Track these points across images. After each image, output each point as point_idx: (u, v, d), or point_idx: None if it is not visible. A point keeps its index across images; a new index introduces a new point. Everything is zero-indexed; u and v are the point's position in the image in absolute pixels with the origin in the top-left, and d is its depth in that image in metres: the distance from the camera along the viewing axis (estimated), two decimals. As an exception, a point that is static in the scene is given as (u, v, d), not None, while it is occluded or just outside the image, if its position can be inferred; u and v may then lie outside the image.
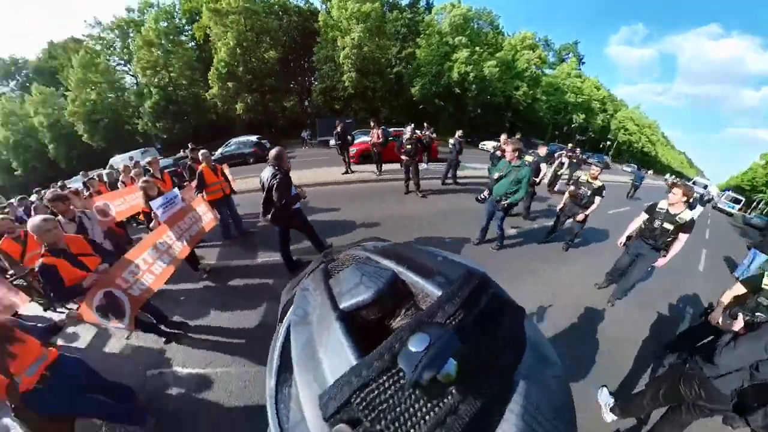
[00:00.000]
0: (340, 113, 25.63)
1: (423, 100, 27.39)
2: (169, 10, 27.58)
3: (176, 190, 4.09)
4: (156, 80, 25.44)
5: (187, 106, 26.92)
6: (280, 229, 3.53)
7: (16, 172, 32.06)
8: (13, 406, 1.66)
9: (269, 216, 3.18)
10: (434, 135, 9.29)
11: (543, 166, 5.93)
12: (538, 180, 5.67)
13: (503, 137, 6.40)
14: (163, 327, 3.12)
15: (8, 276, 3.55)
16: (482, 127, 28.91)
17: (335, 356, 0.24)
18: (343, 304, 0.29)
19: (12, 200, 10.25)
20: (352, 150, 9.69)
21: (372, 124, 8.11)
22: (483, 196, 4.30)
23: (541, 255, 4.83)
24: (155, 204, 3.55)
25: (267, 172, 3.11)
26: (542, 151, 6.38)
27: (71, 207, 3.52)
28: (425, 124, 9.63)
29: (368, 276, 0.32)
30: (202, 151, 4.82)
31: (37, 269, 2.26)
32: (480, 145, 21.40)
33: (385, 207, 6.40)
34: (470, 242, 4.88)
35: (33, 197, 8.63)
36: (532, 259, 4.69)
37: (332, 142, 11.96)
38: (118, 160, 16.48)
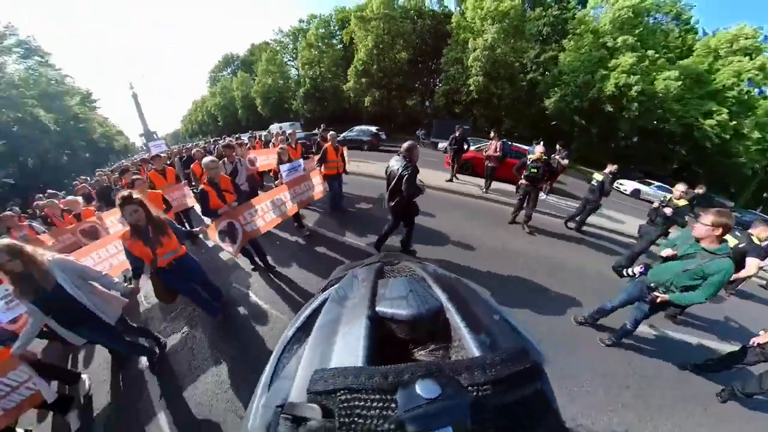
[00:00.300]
0: (459, 117, 24.37)
1: (558, 115, 21.70)
2: (327, 20, 32.84)
3: (301, 160, 4.83)
4: (310, 73, 31.18)
5: (329, 94, 31.70)
6: (393, 218, 3.59)
7: (219, 124, 50.77)
8: (151, 272, 2.54)
9: (392, 203, 3.26)
10: (567, 161, 7.27)
11: (752, 260, 3.29)
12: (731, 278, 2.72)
13: (680, 187, 4.08)
14: (257, 260, 3.90)
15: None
16: (634, 161, 21.11)
17: (348, 348, 0.24)
18: (379, 308, 0.29)
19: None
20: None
21: (492, 134, 7.08)
22: (632, 272, 2.79)
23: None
24: (283, 167, 4.41)
25: (396, 163, 3.15)
26: (761, 231, 3.47)
27: (234, 154, 4.56)
28: (558, 146, 7.69)
29: (415, 295, 0.30)
30: (330, 132, 5.37)
31: (198, 191, 3.27)
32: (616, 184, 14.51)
33: (482, 230, 5.34)
34: (568, 316, 3.30)
35: (221, 142, 11.64)
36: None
37: (443, 145, 11.49)
38: (275, 127, 21.77)
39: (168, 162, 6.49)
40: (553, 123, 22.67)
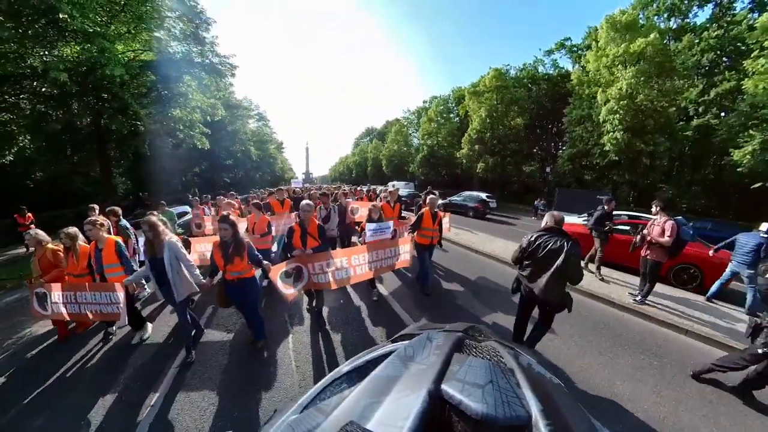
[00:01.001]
0: (589, 185, 19.93)
1: (763, 170, 11.82)
2: (445, 99, 36.97)
3: (391, 222, 4.46)
4: (429, 142, 34.69)
5: (443, 160, 33.94)
6: (527, 306, 2.89)
7: (352, 175, 65.88)
8: (220, 278, 2.95)
9: (550, 292, 2.52)
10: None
11: None
12: None
13: None
14: (314, 304, 3.71)
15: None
16: None
17: (393, 416, 0.21)
18: (446, 387, 0.24)
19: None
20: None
21: (655, 208, 4.40)
22: None
23: None
24: (369, 226, 4.15)
25: (552, 238, 2.54)
26: None
27: (329, 202, 5.09)
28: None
29: (496, 389, 0.24)
30: (431, 195, 4.58)
31: (287, 228, 3.67)
32: None
33: (635, 386, 2.74)
34: None
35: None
36: None
37: (578, 219, 9.04)
38: (391, 184, 25.13)
39: (287, 196, 7.11)
40: (756, 185, 12.04)
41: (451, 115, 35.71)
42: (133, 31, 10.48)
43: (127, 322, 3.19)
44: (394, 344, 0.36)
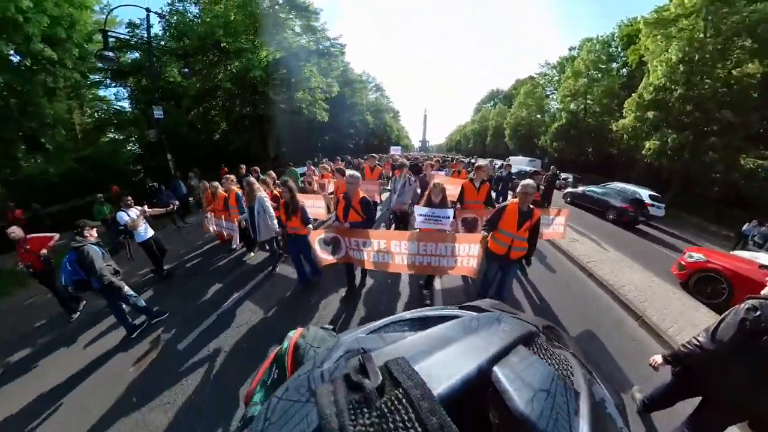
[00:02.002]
0: None
1: None
2: (606, 40, 24.55)
3: (450, 211, 3.37)
4: (571, 106, 25.75)
5: (589, 133, 24.67)
6: None
7: (469, 146, 61.23)
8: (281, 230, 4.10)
9: None
10: None
11: None
12: None
13: None
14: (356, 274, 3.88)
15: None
16: None
17: (438, 370, 0.22)
18: (499, 370, 0.23)
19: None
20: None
21: None
22: None
23: None
24: (419, 210, 3.41)
25: None
26: None
27: (406, 172, 5.00)
28: None
29: (549, 404, 0.21)
30: (528, 181, 2.83)
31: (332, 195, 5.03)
32: None
33: None
34: None
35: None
36: None
37: None
38: (515, 159, 22.29)
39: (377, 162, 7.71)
40: None
41: (613, 66, 24.17)
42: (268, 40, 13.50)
43: (239, 243, 4.91)
44: (462, 311, 0.36)
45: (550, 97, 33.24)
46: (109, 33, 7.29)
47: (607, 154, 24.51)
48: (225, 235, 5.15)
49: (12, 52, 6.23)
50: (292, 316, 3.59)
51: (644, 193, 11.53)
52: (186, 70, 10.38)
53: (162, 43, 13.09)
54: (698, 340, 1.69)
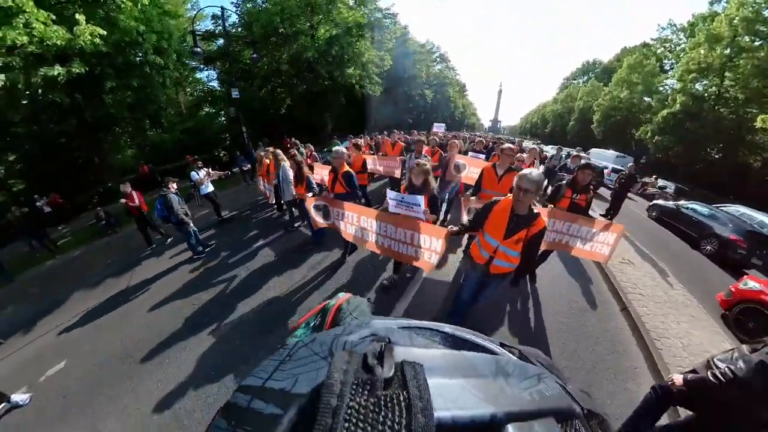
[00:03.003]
0: None
1: None
2: None
3: (421, 198, 2.79)
4: (694, 87, 19.22)
5: (717, 130, 17.96)
6: None
7: (546, 130, 54.23)
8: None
9: None
10: None
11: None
12: None
13: None
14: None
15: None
16: None
17: (452, 397, 0.22)
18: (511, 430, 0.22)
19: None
20: None
21: None
22: None
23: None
24: (389, 193, 3.09)
25: None
26: None
27: (423, 150, 5.04)
28: None
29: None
30: (525, 171, 2.18)
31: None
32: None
33: None
34: None
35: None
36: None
37: None
38: (598, 153, 19.37)
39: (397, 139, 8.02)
40: None
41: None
42: (324, 18, 14.35)
43: (273, 202, 6.35)
44: (501, 348, 0.36)
45: (669, 73, 24.64)
46: (197, 28, 9.67)
47: (743, 165, 17.55)
48: (267, 194, 6.43)
49: (138, 61, 8.99)
50: (292, 263, 4.59)
51: None
52: (254, 55, 12.46)
53: (239, 29, 15.60)
54: (734, 372, 1.59)
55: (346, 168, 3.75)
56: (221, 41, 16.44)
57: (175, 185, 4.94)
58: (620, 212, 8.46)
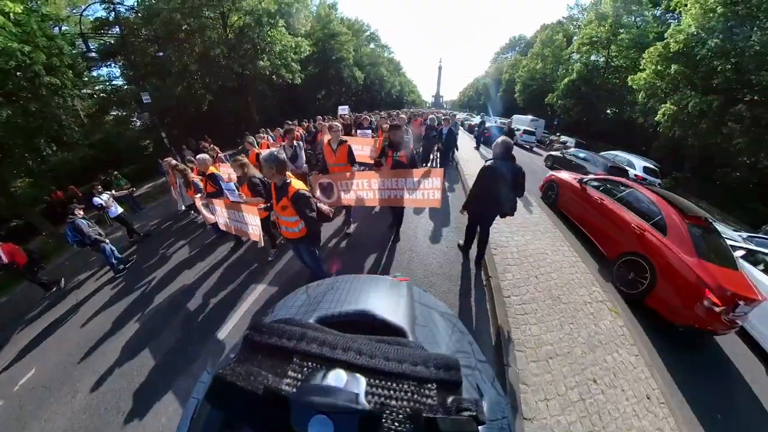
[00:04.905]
0: None
1: None
2: None
3: (231, 184, 3.78)
4: (589, 58, 23.11)
5: (606, 92, 21.99)
6: None
7: (480, 102, 59.12)
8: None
9: None
10: None
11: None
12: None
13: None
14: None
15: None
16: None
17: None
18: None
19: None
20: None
21: None
22: None
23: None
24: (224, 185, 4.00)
25: None
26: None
27: (294, 139, 5.44)
28: None
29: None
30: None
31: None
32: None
33: None
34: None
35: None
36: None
37: None
38: (519, 118, 22.43)
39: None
40: None
41: (649, 11, 20.58)
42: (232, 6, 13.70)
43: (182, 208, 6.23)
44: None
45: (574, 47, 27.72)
46: (85, 14, 8.98)
47: (628, 121, 21.68)
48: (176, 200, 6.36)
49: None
50: (204, 257, 5.21)
51: (639, 164, 10.79)
52: (160, 53, 11.93)
53: (140, 20, 14.37)
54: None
55: (210, 170, 4.40)
56: (117, 29, 14.86)
57: (81, 211, 5.25)
58: (524, 162, 10.45)
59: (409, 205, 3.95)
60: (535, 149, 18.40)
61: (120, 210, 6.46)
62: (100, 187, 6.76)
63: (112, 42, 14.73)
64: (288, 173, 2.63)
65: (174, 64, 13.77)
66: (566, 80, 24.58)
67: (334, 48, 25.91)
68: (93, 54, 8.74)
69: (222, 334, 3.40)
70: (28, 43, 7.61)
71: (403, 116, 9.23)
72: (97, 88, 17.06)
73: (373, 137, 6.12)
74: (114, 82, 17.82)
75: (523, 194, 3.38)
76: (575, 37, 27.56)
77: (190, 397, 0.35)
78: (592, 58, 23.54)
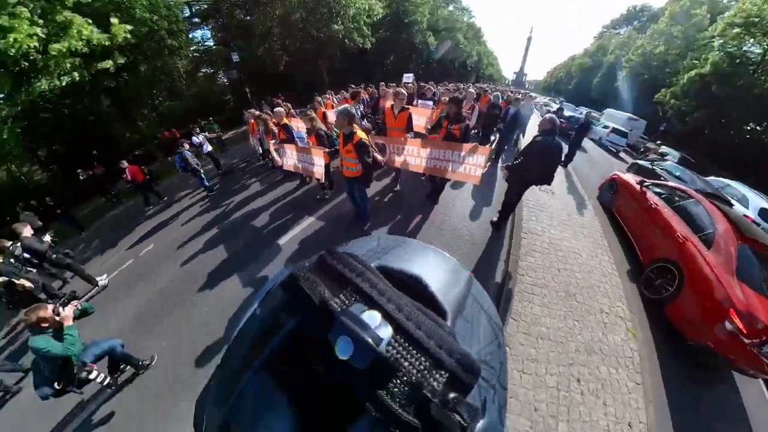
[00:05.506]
0: None
1: None
2: None
3: (302, 133, 5.29)
4: (735, 47, 16.38)
5: (753, 99, 15.19)
6: None
7: (569, 87, 49.72)
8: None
9: None
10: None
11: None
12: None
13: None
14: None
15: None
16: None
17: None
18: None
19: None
20: None
21: None
22: None
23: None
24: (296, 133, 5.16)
25: None
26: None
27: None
28: None
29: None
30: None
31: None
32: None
33: None
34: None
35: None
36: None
37: None
38: (613, 113, 18.98)
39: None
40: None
41: None
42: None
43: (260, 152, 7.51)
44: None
45: (717, 27, 20.29)
46: None
47: None
48: (254, 147, 7.96)
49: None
50: (270, 192, 6.48)
51: (756, 203, 7.99)
52: (247, 17, 13.44)
53: None
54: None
55: (284, 121, 5.15)
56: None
57: (187, 145, 6.93)
58: (601, 167, 9.95)
59: (450, 177, 4.08)
60: (622, 154, 14.74)
61: (210, 148, 8.09)
62: (197, 129, 8.44)
63: (206, 6, 16.72)
64: (355, 125, 3.33)
65: (258, 27, 15.25)
66: (693, 73, 17.81)
67: (407, 10, 24.80)
68: (196, 19, 10.29)
69: (281, 241, 4.65)
70: (154, 13, 9.51)
71: (472, 90, 8.67)
72: (192, 48, 19.87)
73: (432, 109, 6.38)
74: (206, 43, 20.26)
75: (557, 165, 3.60)
76: (724, 15, 19.61)
77: (269, 279, 0.41)
78: (744, 48, 16.31)
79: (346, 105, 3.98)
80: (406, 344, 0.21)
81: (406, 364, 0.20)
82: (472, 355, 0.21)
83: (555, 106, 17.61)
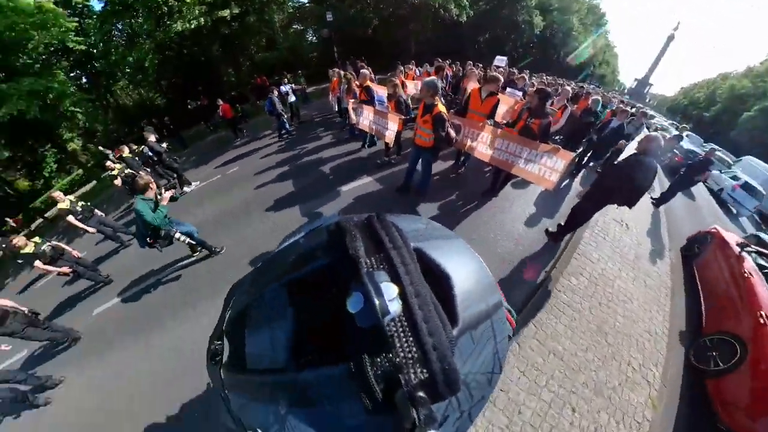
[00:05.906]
0: None
1: None
2: None
3: (382, 96, 5.25)
4: None
5: None
6: None
7: (706, 114, 39.62)
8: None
9: None
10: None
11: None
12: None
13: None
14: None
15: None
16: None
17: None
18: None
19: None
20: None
21: None
22: None
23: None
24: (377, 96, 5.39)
25: None
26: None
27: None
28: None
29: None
30: (428, 79, 3.57)
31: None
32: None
33: None
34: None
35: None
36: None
37: None
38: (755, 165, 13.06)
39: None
40: None
41: None
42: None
43: (336, 109, 8.15)
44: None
45: None
46: None
47: None
48: (332, 104, 8.52)
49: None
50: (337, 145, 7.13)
51: None
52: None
53: None
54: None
55: (367, 83, 5.36)
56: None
57: (276, 92, 7.73)
58: (703, 223, 6.95)
59: (519, 174, 3.83)
60: (742, 219, 10.20)
61: (294, 98, 8.84)
62: (286, 80, 9.28)
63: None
64: (437, 98, 3.41)
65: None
66: None
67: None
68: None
69: (342, 189, 5.20)
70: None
71: (568, 88, 7.62)
72: (288, 4, 21.04)
73: (517, 100, 5.76)
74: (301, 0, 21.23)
75: (646, 190, 3.07)
76: None
77: (320, 218, 0.45)
78: None
79: (433, 77, 3.89)
80: (407, 328, 0.22)
81: (398, 345, 0.21)
82: (459, 372, 0.22)
83: (674, 133, 12.00)
